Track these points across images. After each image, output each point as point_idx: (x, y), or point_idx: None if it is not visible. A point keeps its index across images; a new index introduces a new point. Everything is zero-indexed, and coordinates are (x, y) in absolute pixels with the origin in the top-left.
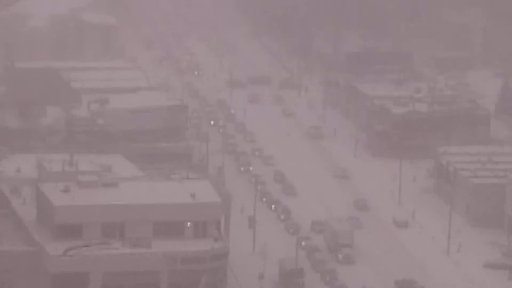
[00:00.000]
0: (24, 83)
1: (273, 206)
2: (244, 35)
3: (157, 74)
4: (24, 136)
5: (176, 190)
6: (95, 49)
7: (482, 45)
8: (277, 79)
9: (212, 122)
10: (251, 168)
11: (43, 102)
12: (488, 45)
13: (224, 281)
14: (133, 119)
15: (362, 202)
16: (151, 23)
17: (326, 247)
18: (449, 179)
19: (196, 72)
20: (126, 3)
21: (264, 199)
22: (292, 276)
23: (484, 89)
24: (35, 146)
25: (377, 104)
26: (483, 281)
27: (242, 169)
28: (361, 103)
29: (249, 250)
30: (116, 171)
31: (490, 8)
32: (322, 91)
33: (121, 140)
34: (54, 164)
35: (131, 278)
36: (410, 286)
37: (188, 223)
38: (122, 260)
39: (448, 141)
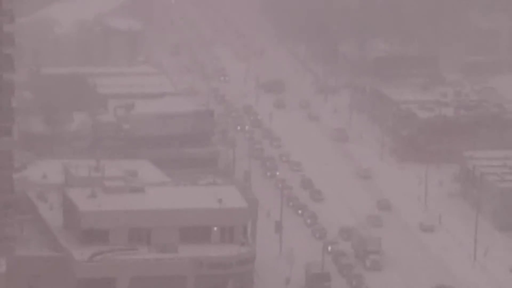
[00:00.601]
0: (50, 89)
1: (299, 211)
2: (270, 40)
3: (183, 79)
4: (50, 141)
5: (203, 195)
6: (121, 54)
7: (509, 49)
8: (303, 84)
9: (238, 127)
10: (277, 173)
11: (69, 108)
12: None
13: (251, 286)
14: (159, 124)
15: (385, 202)
16: (177, 28)
17: (353, 254)
18: (475, 183)
19: (222, 78)
20: (152, 9)
21: (290, 204)
22: (319, 280)
23: (511, 93)
24: (61, 151)
25: (403, 108)
26: (510, 286)
27: (268, 174)
28: (387, 108)
29: (275, 255)
30: (142, 177)
31: None
32: (349, 96)
33: (147, 145)
34: (80, 169)
35: (157, 283)
36: None
37: (215, 228)
38: (149, 265)
39: (475, 145)
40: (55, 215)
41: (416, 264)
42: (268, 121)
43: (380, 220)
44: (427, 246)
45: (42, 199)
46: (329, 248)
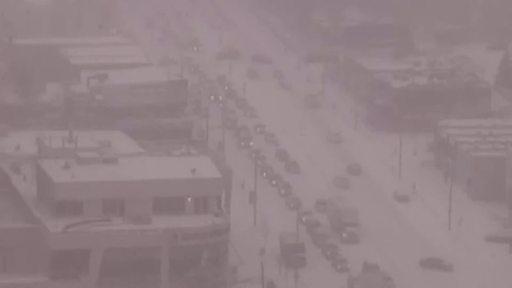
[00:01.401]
0: (23, 60)
1: (274, 181)
2: (243, 10)
3: (156, 50)
4: (23, 113)
5: (176, 165)
6: (94, 25)
7: (481, 18)
8: (277, 53)
9: (212, 97)
10: (251, 143)
11: (42, 79)
12: (487, 18)
13: (225, 256)
14: (132, 95)
15: (356, 167)
16: (151, 0)
17: (330, 226)
18: (449, 152)
19: (195, 48)
20: None
21: (265, 174)
22: (293, 250)
23: (484, 62)
24: (35, 123)
25: (377, 78)
26: (484, 254)
27: (242, 144)
28: (361, 77)
29: (250, 225)
30: (116, 147)
31: None
32: (322, 66)
33: (120, 116)
34: (53, 140)
35: (131, 254)
36: (437, 265)
37: (189, 199)
38: (123, 236)
39: (449, 115)
40: (28, 187)
41: (391, 234)
42: (242, 91)
43: (347, 182)
44: (402, 215)
45: (15, 171)
46: (304, 218)
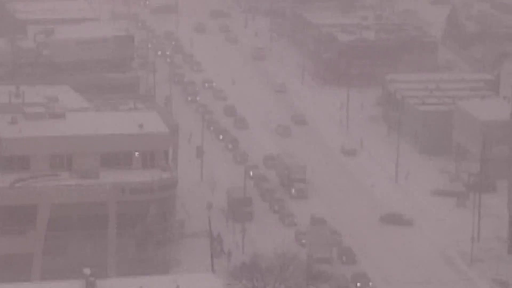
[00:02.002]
0: None
1: (221, 136)
2: None
3: (103, 5)
4: None
5: (124, 120)
6: None
7: None
8: (224, 8)
9: (159, 52)
10: (198, 98)
11: None
12: None
13: (173, 211)
14: (79, 50)
15: (300, 117)
16: None
17: (279, 182)
18: (396, 106)
19: (142, 3)
20: None
21: (212, 129)
22: (240, 205)
23: (428, 16)
24: None
25: (324, 32)
26: (431, 208)
27: (189, 99)
28: (308, 32)
29: (197, 180)
30: (63, 102)
31: None
32: (269, 20)
33: (67, 71)
34: (0, 96)
35: (79, 209)
36: (398, 220)
37: (136, 154)
38: (70, 191)
39: (396, 69)
40: None
41: (339, 189)
42: (189, 46)
43: (289, 130)
44: (349, 170)
45: None
46: (251, 173)
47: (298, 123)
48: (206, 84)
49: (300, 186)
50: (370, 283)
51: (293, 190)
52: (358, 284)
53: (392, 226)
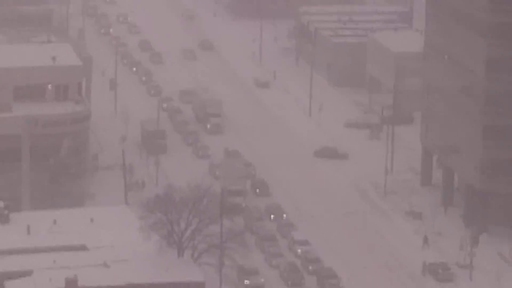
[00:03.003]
0: None
1: (134, 68)
2: None
3: None
4: None
5: (37, 53)
6: None
7: None
8: None
9: None
10: (111, 30)
11: None
12: None
13: (86, 143)
14: None
15: (207, 43)
16: None
17: (194, 117)
18: (310, 39)
19: None
20: None
21: (125, 61)
22: (154, 137)
23: None
24: None
25: None
26: (344, 140)
27: (102, 31)
28: None
29: (110, 112)
30: None
31: None
32: None
33: None
34: None
35: None
36: (332, 153)
37: (49, 86)
38: None
39: (309, 1)
40: None
41: (255, 123)
42: None
43: (194, 53)
44: (264, 103)
45: None
46: (165, 105)
47: (204, 48)
48: (121, 18)
49: (216, 121)
50: (284, 215)
51: (208, 125)
52: (272, 216)
53: (306, 158)
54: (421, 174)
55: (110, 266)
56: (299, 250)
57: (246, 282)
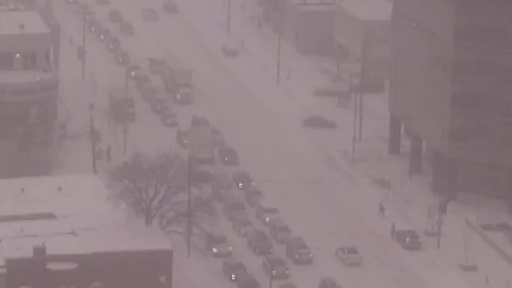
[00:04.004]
0: None
1: (102, 36)
2: None
3: None
4: None
5: (4, 21)
6: None
7: None
8: None
9: None
10: None
11: None
12: None
13: (54, 112)
14: None
15: (171, 4)
16: None
17: (164, 88)
18: (277, 7)
19: None
20: None
21: (93, 29)
22: (122, 106)
23: None
24: None
25: None
26: (313, 108)
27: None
28: None
29: (78, 81)
30: None
31: None
32: None
33: None
34: None
35: None
36: (321, 123)
37: (17, 55)
38: None
39: None
40: None
41: (222, 91)
42: None
43: (155, 14)
44: (232, 71)
45: None
46: (133, 73)
47: (168, 11)
48: None
49: (185, 91)
50: (252, 183)
51: (178, 95)
52: (240, 184)
53: (274, 126)
54: (389, 142)
55: (78, 234)
56: (267, 218)
57: (214, 250)
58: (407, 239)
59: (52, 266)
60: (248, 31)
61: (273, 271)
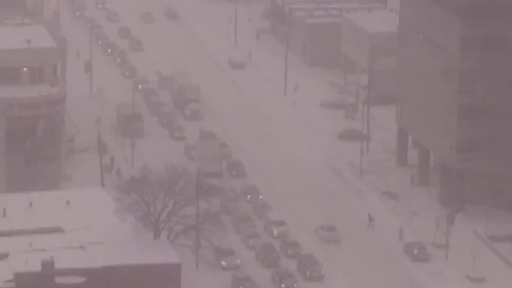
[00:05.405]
0: None
1: (109, 49)
2: None
3: None
4: None
5: (11, 35)
6: None
7: None
8: None
9: None
10: (86, 13)
11: None
12: None
13: (62, 126)
14: None
15: (172, 10)
16: None
17: (172, 102)
18: (284, 19)
19: None
20: None
21: (100, 43)
22: (130, 121)
23: None
24: None
25: None
26: (320, 120)
27: (77, 14)
28: None
29: (86, 94)
30: None
31: None
32: None
33: None
34: None
35: None
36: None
37: (24, 69)
38: None
39: None
40: None
41: (230, 104)
42: None
43: (152, 17)
44: (239, 84)
45: None
46: (140, 86)
47: (169, 17)
48: (100, 6)
49: (194, 107)
50: (260, 196)
51: (187, 111)
52: (248, 197)
53: (282, 139)
54: (396, 154)
55: (86, 248)
56: (275, 231)
57: (223, 263)
58: (415, 251)
59: (60, 280)
60: (255, 44)
61: (282, 284)
